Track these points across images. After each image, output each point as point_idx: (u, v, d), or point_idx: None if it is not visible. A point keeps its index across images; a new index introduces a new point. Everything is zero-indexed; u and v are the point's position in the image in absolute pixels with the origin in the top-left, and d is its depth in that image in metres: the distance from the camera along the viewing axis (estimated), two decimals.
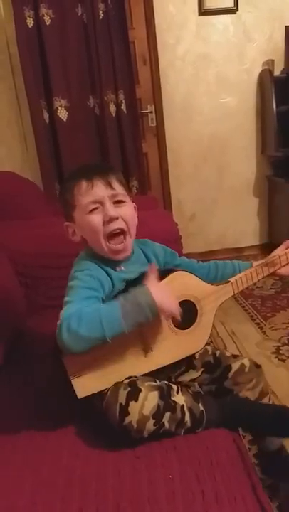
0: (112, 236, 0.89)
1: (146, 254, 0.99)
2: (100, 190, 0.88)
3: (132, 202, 0.96)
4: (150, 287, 0.80)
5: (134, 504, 0.65)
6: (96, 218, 0.88)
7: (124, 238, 0.90)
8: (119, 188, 0.90)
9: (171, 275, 0.90)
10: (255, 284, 0.99)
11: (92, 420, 0.85)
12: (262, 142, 3.08)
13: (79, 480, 0.71)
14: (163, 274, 0.90)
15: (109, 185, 0.89)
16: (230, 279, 0.96)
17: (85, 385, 0.82)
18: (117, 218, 0.88)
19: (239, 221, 3.22)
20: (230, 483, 0.70)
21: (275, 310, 2.27)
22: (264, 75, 2.91)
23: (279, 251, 1.00)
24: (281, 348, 1.88)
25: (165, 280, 0.88)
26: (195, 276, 0.94)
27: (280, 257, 0.98)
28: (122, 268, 0.92)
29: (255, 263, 1.01)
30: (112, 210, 0.87)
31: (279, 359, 1.79)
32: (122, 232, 0.89)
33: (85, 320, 0.75)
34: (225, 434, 0.83)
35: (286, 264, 0.99)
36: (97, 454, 0.77)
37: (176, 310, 0.83)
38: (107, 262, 0.90)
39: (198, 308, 0.93)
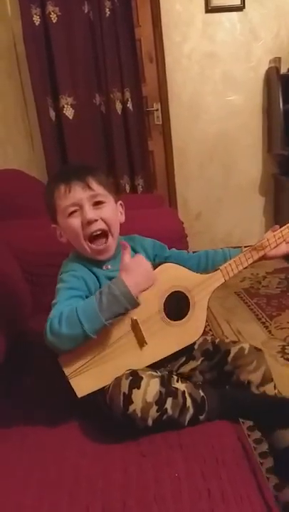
0: (93, 238, 0.90)
1: (135, 250, 1.00)
2: (77, 193, 0.89)
3: (118, 200, 0.98)
4: (122, 275, 0.81)
5: (140, 502, 0.66)
6: (75, 221, 0.89)
7: (106, 239, 0.91)
8: (98, 189, 0.91)
9: (159, 268, 0.90)
10: (245, 268, 0.99)
11: (98, 418, 0.85)
12: (268, 140, 3.06)
13: (86, 478, 0.71)
14: (153, 267, 0.90)
15: (88, 186, 0.89)
16: (219, 267, 0.96)
17: (84, 384, 0.83)
18: (96, 220, 0.89)
19: (245, 219, 3.21)
20: (236, 481, 0.70)
21: (280, 309, 2.26)
22: (271, 73, 2.89)
23: (267, 234, 1.01)
24: (287, 347, 1.87)
25: (154, 272, 0.88)
26: (182, 267, 0.95)
27: (268, 239, 0.99)
28: (109, 267, 0.94)
29: (244, 249, 1.01)
30: (90, 213, 0.88)
31: (284, 358, 1.79)
32: (103, 233, 0.91)
33: (64, 319, 0.77)
34: (230, 432, 0.83)
35: (274, 247, 1.00)
36: (104, 453, 0.78)
37: (153, 278, 0.84)
38: (93, 261, 0.92)
39: (189, 298, 0.93)
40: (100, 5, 2.52)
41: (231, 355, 0.96)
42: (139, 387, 0.79)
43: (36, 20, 2.46)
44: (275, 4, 2.84)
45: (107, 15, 2.55)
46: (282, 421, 0.89)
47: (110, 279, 0.88)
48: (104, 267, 0.93)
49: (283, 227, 1.01)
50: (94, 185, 0.90)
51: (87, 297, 0.85)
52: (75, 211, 0.89)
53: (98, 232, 0.90)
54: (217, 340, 1.01)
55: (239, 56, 2.92)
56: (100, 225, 0.90)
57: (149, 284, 0.83)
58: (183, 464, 0.73)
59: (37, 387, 1.03)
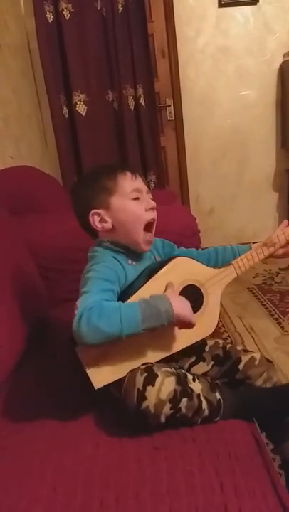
0: (147, 226, 0.95)
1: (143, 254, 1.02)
2: (141, 183, 0.96)
3: None
4: (170, 297, 0.83)
5: (153, 495, 0.66)
6: (139, 205, 0.94)
7: (152, 232, 0.97)
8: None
9: (172, 262, 0.91)
10: (256, 263, 0.99)
11: (112, 411, 0.86)
12: (282, 136, 3.03)
13: (100, 470, 0.72)
14: (164, 261, 0.92)
15: (146, 182, 0.97)
16: (232, 262, 0.97)
17: (101, 376, 0.83)
18: (155, 209, 0.96)
19: (258, 215, 3.19)
20: (249, 476, 0.70)
21: None
22: (285, 67, 2.86)
23: (278, 231, 1.00)
24: None
25: (166, 267, 0.90)
26: (196, 261, 0.95)
27: (278, 236, 0.99)
28: (134, 263, 0.94)
29: (254, 245, 1.01)
30: (152, 201, 0.95)
31: None
32: (152, 224, 0.96)
33: (105, 315, 0.77)
34: (244, 428, 0.83)
35: (285, 245, 1.00)
36: (117, 445, 0.78)
37: (192, 320, 0.85)
38: (122, 255, 0.93)
39: (203, 291, 0.93)
40: (113, 1, 2.52)
41: (242, 363, 0.96)
42: (153, 385, 0.79)
43: (49, 17, 2.47)
44: None
45: (120, 11, 2.55)
46: None
47: (134, 276, 0.91)
48: (129, 262, 0.94)
49: None
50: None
51: (118, 291, 0.86)
52: (137, 198, 0.94)
53: (152, 221, 0.96)
54: (228, 346, 1.01)
55: (253, 50, 2.89)
56: (155, 215, 0.96)
57: (189, 320, 0.84)
58: (196, 457, 0.74)
59: (53, 379, 1.05)
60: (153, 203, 0.95)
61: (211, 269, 0.96)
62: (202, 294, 0.93)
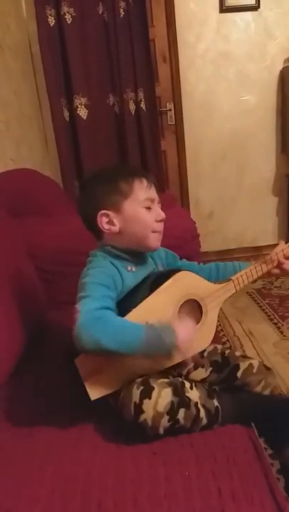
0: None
1: (152, 257, 1.03)
2: (154, 193, 0.96)
3: None
4: (177, 329, 0.80)
5: (151, 499, 0.66)
6: (150, 215, 0.94)
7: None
8: None
9: (175, 275, 0.91)
10: (255, 281, 1.02)
11: (110, 416, 0.86)
12: (282, 141, 3.05)
13: (98, 474, 0.72)
14: (167, 274, 0.91)
15: (157, 192, 0.97)
16: (231, 277, 0.98)
17: (98, 387, 0.83)
18: (164, 221, 0.96)
19: (258, 220, 3.20)
20: (247, 481, 0.70)
21: None
22: (285, 72, 2.87)
23: (276, 249, 1.02)
24: None
25: (170, 280, 0.89)
26: (198, 276, 0.95)
27: (277, 253, 1.01)
28: (133, 269, 0.94)
29: (254, 262, 1.02)
30: (162, 212, 0.95)
31: None
32: (161, 232, 0.97)
33: (110, 331, 0.76)
34: (242, 432, 0.83)
35: (280, 264, 1.02)
36: (115, 449, 0.78)
37: (190, 354, 0.86)
38: (120, 261, 0.92)
39: (202, 306, 0.94)
40: (115, 5, 2.54)
41: (240, 370, 0.96)
42: (150, 398, 0.79)
43: (51, 21, 2.48)
44: None
45: (122, 15, 2.56)
46: None
47: (134, 282, 0.90)
48: (128, 268, 0.93)
49: None
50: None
51: (115, 298, 0.86)
52: (149, 207, 0.94)
53: (160, 232, 0.96)
54: (227, 352, 1.02)
55: (253, 55, 2.91)
56: (163, 226, 0.97)
57: (184, 354, 0.84)
58: (194, 462, 0.73)
59: (51, 384, 1.04)
60: (163, 215, 0.95)
61: (211, 285, 0.96)
62: (201, 309, 0.94)
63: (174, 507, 0.64)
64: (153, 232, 0.94)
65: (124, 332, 0.77)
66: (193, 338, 0.84)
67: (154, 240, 0.95)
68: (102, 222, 0.92)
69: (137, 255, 0.96)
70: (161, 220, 0.95)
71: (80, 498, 0.67)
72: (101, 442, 0.81)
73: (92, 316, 0.76)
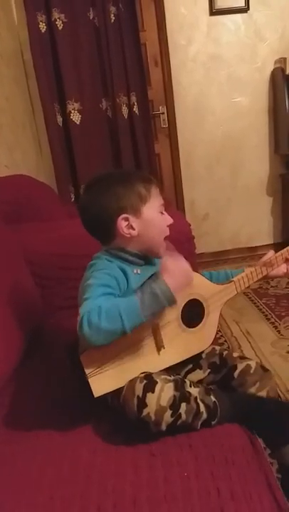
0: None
1: (154, 260, 1.02)
2: (161, 198, 0.97)
3: None
4: (163, 274, 0.83)
5: (150, 501, 0.66)
6: (164, 221, 0.95)
7: None
8: None
9: None
10: (254, 283, 1.05)
11: (109, 419, 0.86)
12: (275, 141, 3.06)
13: (97, 477, 0.72)
14: None
15: None
16: (233, 279, 0.99)
17: (101, 384, 0.83)
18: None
19: (253, 220, 3.21)
20: (245, 481, 0.71)
21: None
22: (276, 74, 2.90)
23: (276, 254, 1.05)
24: None
25: None
26: (201, 276, 0.97)
27: (276, 257, 1.04)
28: (139, 271, 0.94)
29: (247, 269, 1.04)
30: (170, 217, 0.97)
31: None
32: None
33: (104, 313, 0.77)
34: (240, 433, 0.84)
35: (278, 266, 1.05)
36: (115, 452, 0.79)
37: (191, 277, 0.86)
38: (125, 264, 0.92)
39: (205, 306, 0.95)
40: (105, 11, 2.55)
41: (238, 370, 0.97)
42: (153, 391, 0.79)
43: (42, 27, 2.50)
44: (280, 5, 2.85)
45: (112, 20, 2.58)
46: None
47: (138, 282, 0.90)
48: (134, 271, 0.93)
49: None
50: None
51: (118, 296, 0.86)
52: (162, 212, 0.96)
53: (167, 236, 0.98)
54: (225, 353, 1.02)
55: (244, 57, 2.93)
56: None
57: (188, 283, 0.86)
58: (192, 463, 0.74)
59: (49, 387, 1.05)
60: (171, 220, 0.96)
61: (214, 285, 0.98)
62: (203, 309, 0.95)
63: (173, 508, 0.65)
64: (165, 237, 0.96)
65: (117, 307, 0.78)
66: (182, 270, 0.85)
67: (164, 247, 0.96)
68: (122, 226, 0.90)
69: (144, 258, 0.96)
70: (170, 225, 0.96)
71: (79, 502, 0.67)
72: (100, 445, 0.81)
73: (88, 311, 0.77)
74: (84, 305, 0.80)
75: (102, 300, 0.81)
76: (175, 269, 0.84)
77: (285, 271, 1.06)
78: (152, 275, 0.91)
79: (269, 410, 0.90)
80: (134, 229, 0.91)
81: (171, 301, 0.81)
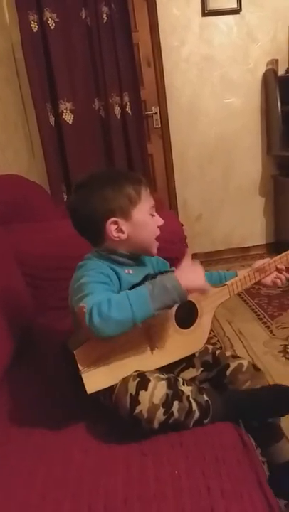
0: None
1: (145, 260, 1.03)
2: (152, 198, 0.96)
3: None
4: (176, 272, 0.82)
5: (141, 500, 0.66)
6: (154, 223, 0.95)
7: None
8: None
9: None
10: (248, 287, 1.05)
11: (100, 418, 0.86)
12: (267, 142, 3.08)
13: (88, 477, 0.72)
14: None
15: None
16: (226, 283, 1.00)
17: (94, 381, 0.83)
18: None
19: (245, 221, 3.22)
20: (236, 479, 0.71)
21: (282, 309, 2.27)
22: (268, 75, 2.91)
23: (270, 260, 1.06)
24: (288, 346, 1.88)
25: None
26: None
27: (269, 264, 1.04)
28: (130, 271, 0.94)
29: (239, 272, 1.05)
30: (160, 218, 0.96)
31: (286, 358, 1.79)
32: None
33: (114, 304, 0.76)
34: (231, 431, 0.84)
35: (271, 273, 1.05)
36: (106, 451, 0.79)
37: (205, 284, 0.84)
38: (117, 264, 0.92)
39: (198, 308, 0.96)
40: (97, 11, 2.55)
41: (230, 369, 0.98)
42: (146, 389, 0.80)
43: (34, 27, 2.48)
44: (272, 6, 2.86)
45: (105, 20, 2.57)
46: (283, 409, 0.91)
47: (130, 282, 0.90)
48: (126, 271, 0.93)
49: (282, 255, 1.06)
50: None
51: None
52: (153, 214, 0.95)
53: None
54: (218, 352, 1.03)
55: (237, 59, 2.94)
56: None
57: (199, 285, 0.84)
58: (183, 462, 0.74)
59: (40, 388, 1.04)
60: (162, 221, 0.96)
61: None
62: (197, 311, 0.96)
63: (163, 507, 0.65)
64: (156, 238, 0.96)
65: (127, 298, 0.78)
66: (198, 276, 0.83)
67: (156, 246, 0.97)
68: (112, 230, 0.90)
69: (135, 258, 0.96)
70: (160, 227, 0.96)
71: (71, 502, 0.67)
72: (91, 445, 0.81)
73: (98, 302, 0.77)
74: (89, 299, 0.79)
75: (109, 293, 0.81)
76: (189, 270, 0.84)
77: (274, 281, 1.06)
78: (155, 274, 0.92)
79: (257, 402, 0.90)
80: (123, 232, 0.90)
81: (182, 296, 0.81)
